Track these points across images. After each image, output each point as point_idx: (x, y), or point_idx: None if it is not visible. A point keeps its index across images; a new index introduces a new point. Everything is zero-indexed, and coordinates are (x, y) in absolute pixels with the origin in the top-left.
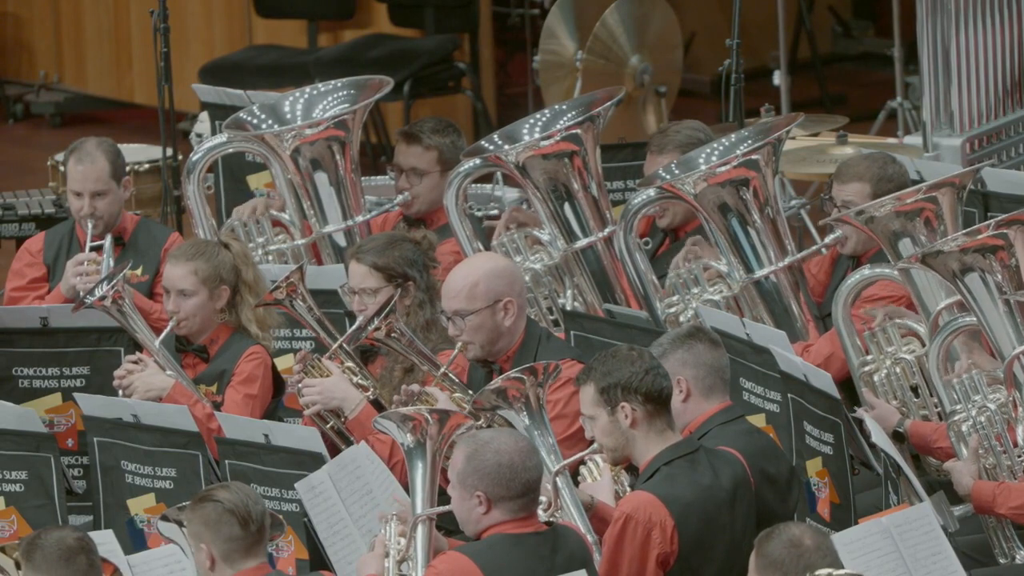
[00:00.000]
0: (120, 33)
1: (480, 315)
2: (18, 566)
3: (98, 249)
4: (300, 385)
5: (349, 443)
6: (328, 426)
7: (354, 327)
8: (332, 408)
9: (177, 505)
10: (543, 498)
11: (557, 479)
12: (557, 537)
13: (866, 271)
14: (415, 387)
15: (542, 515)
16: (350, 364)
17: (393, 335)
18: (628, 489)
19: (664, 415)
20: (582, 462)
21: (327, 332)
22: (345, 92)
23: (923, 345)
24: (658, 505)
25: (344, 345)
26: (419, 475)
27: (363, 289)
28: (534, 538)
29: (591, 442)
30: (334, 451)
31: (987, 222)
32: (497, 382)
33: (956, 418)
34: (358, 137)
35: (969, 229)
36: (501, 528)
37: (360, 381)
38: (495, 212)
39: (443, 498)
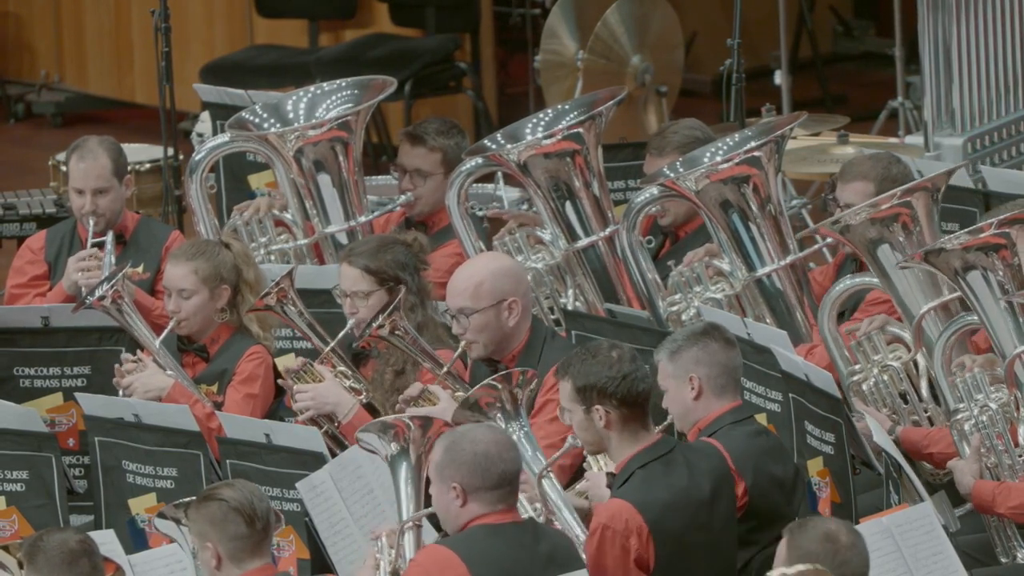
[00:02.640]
0: (121, 33)
1: (484, 314)
2: (21, 565)
3: (100, 246)
4: (293, 390)
5: (344, 447)
6: (322, 431)
7: (344, 331)
8: (325, 413)
9: (174, 502)
10: (538, 506)
11: (543, 482)
12: (538, 528)
13: (848, 281)
14: (415, 389)
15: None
16: (342, 368)
17: (397, 332)
18: None
19: (640, 417)
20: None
21: (318, 336)
22: (348, 92)
23: (909, 351)
24: (632, 512)
25: (336, 349)
26: (403, 481)
27: (355, 292)
28: (514, 527)
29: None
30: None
31: (989, 220)
32: (472, 393)
33: (959, 417)
34: (361, 137)
35: (972, 227)
36: (480, 520)
37: (353, 385)
38: (495, 209)
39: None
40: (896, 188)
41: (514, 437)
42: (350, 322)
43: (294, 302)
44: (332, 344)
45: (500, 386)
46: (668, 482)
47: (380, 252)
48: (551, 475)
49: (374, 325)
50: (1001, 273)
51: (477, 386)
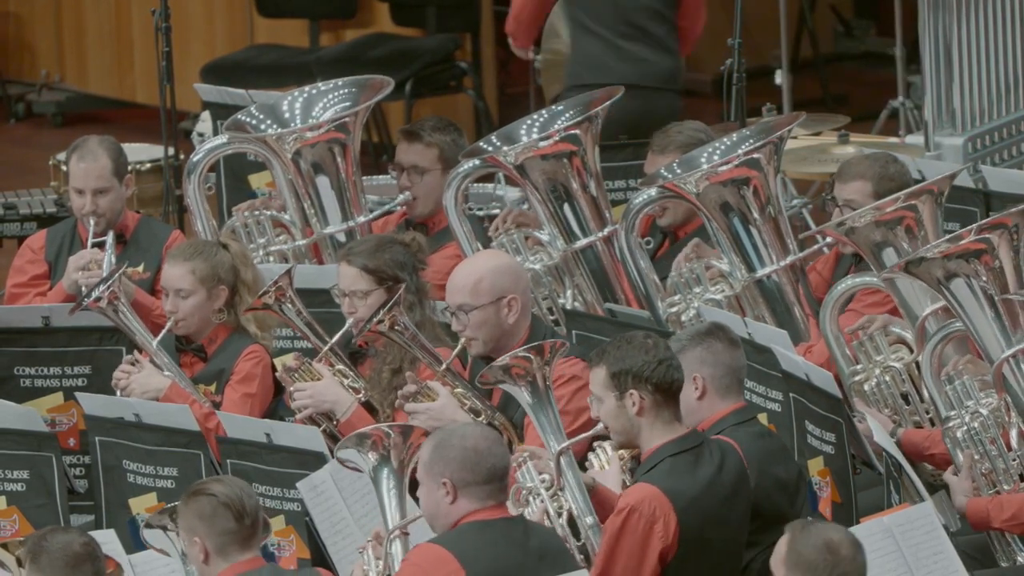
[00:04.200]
0: (122, 32)
1: (484, 311)
2: (19, 563)
3: (100, 245)
4: (291, 389)
5: None
6: (320, 429)
7: (342, 330)
8: (324, 411)
9: (158, 510)
10: (545, 476)
11: (561, 459)
12: (528, 525)
13: (851, 280)
14: (411, 387)
15: (544, 494)
16: (340, 367)
17: (396, 328)
18: None
19: (672, 406)
20: (589, 446)
21: (316, 335)
22: (345, 92)
23: (911, 352)
24: (662, 499)
25: (334, 348)
26: (385, 491)
27: (353, 292)
28: (505, 523)
29: (594, 438)
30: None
31: (969, 227)
32: (505, 359)
33: (951, 424)
34: (359, 138)
35: (951, 235)
36: (471, 517)
37: (351, 384)
38: (496, 212)
39: None
40: (895, 188)
41: (539, 410)
42: (348, 321)
43: (292, 301)
44: (331, 343)
45: (533, 358)
46: (696, 474)
47: (378, 251)
48: (570, 453)
49: (374, 320)
50: (984, 278)
51: (509, 353)
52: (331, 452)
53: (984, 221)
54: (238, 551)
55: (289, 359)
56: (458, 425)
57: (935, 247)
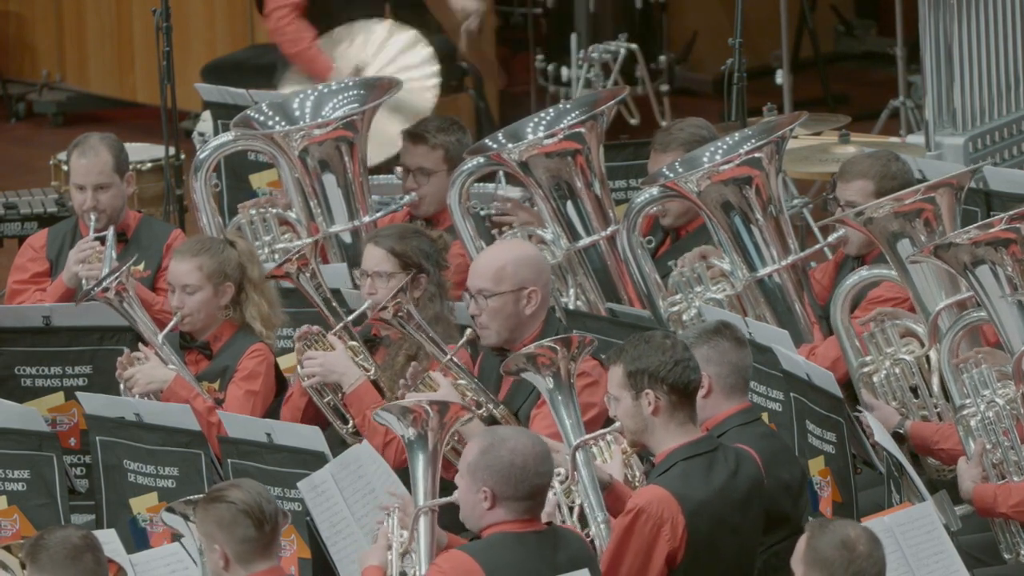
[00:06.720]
0: (122, 32)
1: (503, 298)
2: (23, 565)
3: (101, 240)
4: (302, 357)
5: (344, 420)
6: (325, 401)
7: (360, 309)
8: (331, 382)
9: (183, 499)
10: (560, 470)
11: (576, 453)
12: (558, 537)
13: (864, 272)
14: (418, 367)
15: (558, 487)
16: (353, 343)
17: (400, 315)
18: (638, 474)
19: (687, 408)
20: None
21: (332, 311)
22: (354, 92)
23: (922, 345)
24: (671, 502)
25: (348, 326)
26: (420, 467)
27: (377, 272)
28: (535, 537)
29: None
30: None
31: (1000, 215)
32: (531, 348)
33: (965, 412)
34: (366, 137)
35: (982, 222)
36: (503, 527)
37: (361, 362)
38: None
39: (444, 490)
40: (897, 187)
41: (559, 400)
42: (366, 303)
43: (314, 273)
44: (346, 321)
45: (559, 349)
46: (709, 479)
47: (406, 237)
48: (587, 449)
49: (378, 308)
50: (1010, 268)
51: (537, 343)
52: (331, 425)
53: (1016, 211)
54: (259, 559)
55: (292, 360)
56: (509, 432)
57: (964, 233)
